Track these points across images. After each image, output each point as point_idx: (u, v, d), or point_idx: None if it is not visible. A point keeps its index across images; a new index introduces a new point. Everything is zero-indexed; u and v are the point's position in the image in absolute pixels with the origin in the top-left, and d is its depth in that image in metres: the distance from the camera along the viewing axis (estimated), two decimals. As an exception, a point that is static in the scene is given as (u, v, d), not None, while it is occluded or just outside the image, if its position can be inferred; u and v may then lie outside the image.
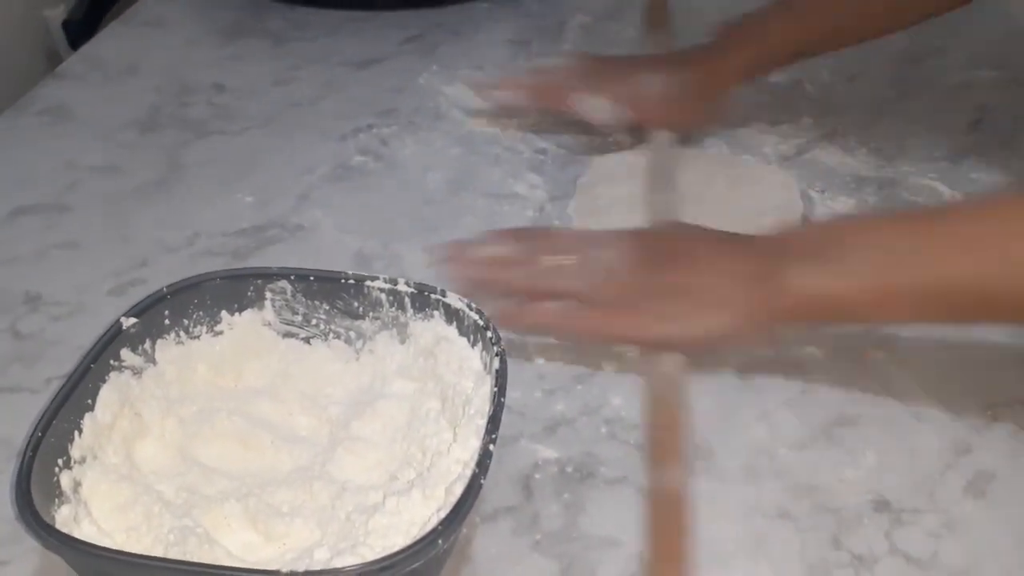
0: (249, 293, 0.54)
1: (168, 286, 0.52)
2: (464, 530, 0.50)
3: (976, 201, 0.59)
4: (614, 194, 0.75)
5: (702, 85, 0.78)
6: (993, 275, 0.52)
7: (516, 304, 0.58)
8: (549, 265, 0.59)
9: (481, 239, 0.62)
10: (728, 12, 0.79)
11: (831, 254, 0.55)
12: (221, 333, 0.54)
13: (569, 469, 0.55)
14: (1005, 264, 0.52)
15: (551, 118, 0.83)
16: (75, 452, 0.46)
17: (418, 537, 0.41)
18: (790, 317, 0.57)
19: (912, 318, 0.58)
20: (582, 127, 0.80)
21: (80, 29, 1.04)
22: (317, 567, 0.43)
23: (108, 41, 0.98)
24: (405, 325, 0.54)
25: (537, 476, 0.55)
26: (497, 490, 0.53)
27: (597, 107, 0.77)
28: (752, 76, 0.79)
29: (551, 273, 0.59)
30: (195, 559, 0.43)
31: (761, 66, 0.79)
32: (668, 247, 0.60)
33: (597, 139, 0.81)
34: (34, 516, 0.41)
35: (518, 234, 0.62)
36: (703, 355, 0.59)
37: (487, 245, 0.61)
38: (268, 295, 0.54)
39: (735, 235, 0.60)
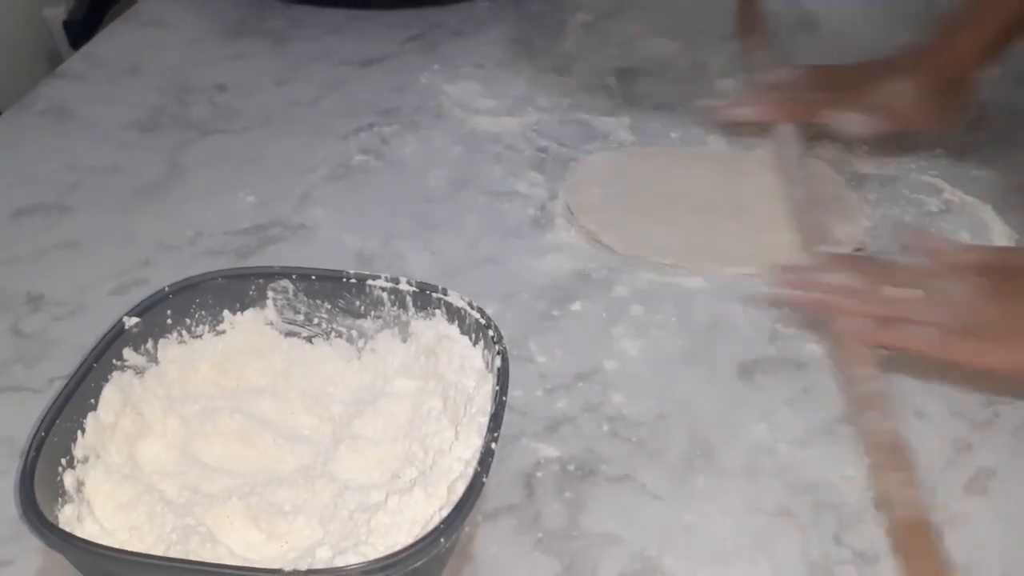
0: (251, 292, 0.54)
1: (170, 285, 0.53)
2: (466, 528, 0.50)
3: None
4: (606, 193, 0.75)
5: (939, 85, 0.77)
6: None
7: (871, 324, 0.58)
8: (892, 296, 0.59)
9: (818, 265, 0.63)
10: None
11: None
12: (223, 332, 0.54)
13: (571, 467, 0.55)
14: None
15: (554, 116, 0.83)
16: (78, 451, 0.46)
17: (420, 536, 0.41)
18: None
19: None
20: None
21: (81, 29, 1.04)
22: (319, 566, 0.43)
23: (109, 41, 0.98)
24: (407, 324, 0.54)
25: (539, 474, 0.55)
26: (499, 488, 0.53)
27: (850, 120, 0.77)
28: (985, 60, 0.78)
29: (900, 303, 0.59)
30: (197, 558, 0.43)
31: (990, 48, 0.77)
32: (1010, 273, 0.60)
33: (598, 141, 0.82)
34: (37, 515, 0.41)
35: (855, 263, 0.62)
36: None
37: (828, 272, 0.61)
38: (270, 294, 0.54)
39: None
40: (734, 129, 0.81)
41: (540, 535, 0.52)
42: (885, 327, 0.58)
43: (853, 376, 0.58)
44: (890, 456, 0.54)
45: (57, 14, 1.06)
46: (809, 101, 0.79)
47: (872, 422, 0.56)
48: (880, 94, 0.77)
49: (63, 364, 0.60)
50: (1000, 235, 0.71)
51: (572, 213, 0.73)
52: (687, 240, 0.71)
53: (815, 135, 0.82)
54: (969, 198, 0.75)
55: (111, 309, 0.60)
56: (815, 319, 0.62)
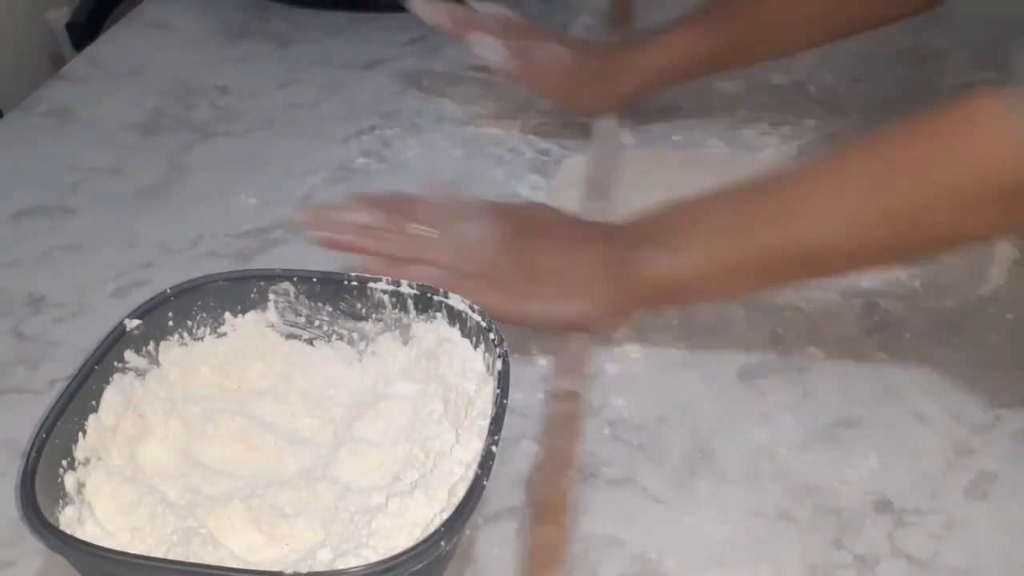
0: (252, 295, 0.54)
1: (172, 288, 0.53)
2: (467, 531, 0.50)
3: (791, 168, 0.62)
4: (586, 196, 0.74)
5: (599, 73, 0.79)
6: (806, 235, 0.55)
7: (383, 263, 0.58)
8: (413, 234, 0.60)
9: (345, 204, 0.62)
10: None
11: (670, 239, 0.58)
12: (224, 335, 0.54)
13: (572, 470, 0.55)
14: (815, 222, 0.55)
15: (556, 119, 0.83)
16: (79, 453, 0.46)
17: (421, 538, 0.42)
18: (642, 302, 0.61)
19: (749, 289, 0.62)
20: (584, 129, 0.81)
21: (83, 31, 1.04)
22: (320, 568, 0.43)
23: (111, 43, 0.98)
24: (408, 327, 0.54)
25: (540, 477, 0.55)
26: (500, 491, 0.53)
27: (488, 46, 0.77)
28: (656, 81, 0.80)
29: (415, 242, 0.59)
30: (198, 560, 0.43)
31: (665, 72, 0.79)
32: (531, 227, 0.61)
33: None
34: (38, 517, 0.41)
35: (382, 202, 0.62)
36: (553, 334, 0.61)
37: (352, 211, 0.61)
38: (271, 297, 0.54)
39: (595, 222, 0.64)
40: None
41: (541, 538, 0.52)
42: (393, 266, 0.58)
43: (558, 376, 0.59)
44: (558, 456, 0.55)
45: (60, 16, 1.06)
46: (478, 24, 0.79)
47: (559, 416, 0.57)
48: (535, 48, 0.79)
49: (64, 366, 0.60)
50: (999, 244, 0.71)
51: None
52: None
53: (818, 138, 0.83)
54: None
55: (112, 311, 0.60)
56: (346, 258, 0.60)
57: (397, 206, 0.61)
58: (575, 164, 0.79)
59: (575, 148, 0.81)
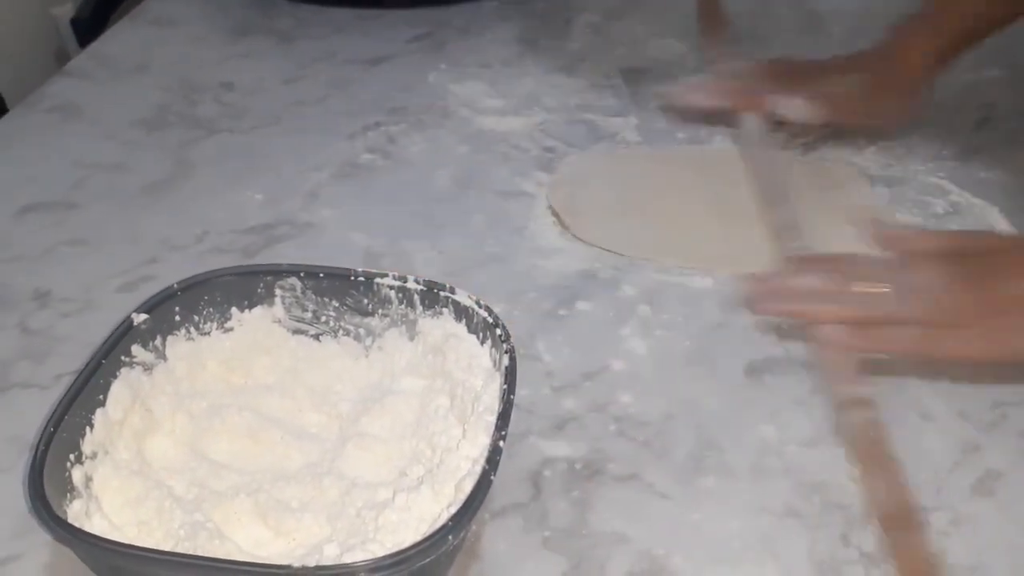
0: (259, 290, 0.54)
1: (179, 282, 0.53)
2: (473, 527, 0.50)
3: None
4: (591, 195, 0.75)
5: (890, 81, 0.78)
6: None
7: (849, 331, 0.56)
8: (863, 292, 0.57)
9: (781, 271, 0.61)
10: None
11: None
12: (231, 329, 0.54)
13: (578, 466, 0.55)
14: None
15: (560, 115, 0.83)
16: (86, 447, 0.47)
17: (428, 533, 0.41)
18: None
19: None
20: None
21: (88, 27, 1.04)
22: (327, 563, 0.43)
23: (116, 39, 0.98)
24: (414, 322, 0.54)
25: (546, 473, 0.55)
26: (506, 487, 0.53)
27: (793, 107, 0.77)
28: (935, 66, 0.78)
29: (869, 301, 0.57)
30: (205, 554, 0.43)
31: (941, 55, 0.78)
32: (982, 256, 0.58)
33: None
34: (46, 510, 0.41)
35: (818, 262, 0.59)
36: None
37: (793, 277, 0.59)
38: (278, 292, 0.54)
39: None
40: (691, 117, 0.82)
41: (547, 533, 0.52)
42: (861, 332, 0.56)
43: (838, 386, 0.57)
44: (877, 461, 0.54)
45: (64, 12, 1.06)
46: (761, 90, 0.79)
47: (858, 426, 0.55)
48: (828, 85, 0.78)
49: (70, 361, 0.60)
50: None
51: (556, 214, 0.73)
52: (662, 238, 0.71)
53: (823, 135, 0.83)
54: (976, 200, 0.75)
55: (118, 306, 0.60)
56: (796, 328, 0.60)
57: (836, 264, 0.59)
58: (576, 161, 0.79)
59: (581, 145, 0.81)
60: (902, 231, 0.64)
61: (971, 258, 0.58)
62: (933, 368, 0.61)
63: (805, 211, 0.71)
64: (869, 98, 0.78)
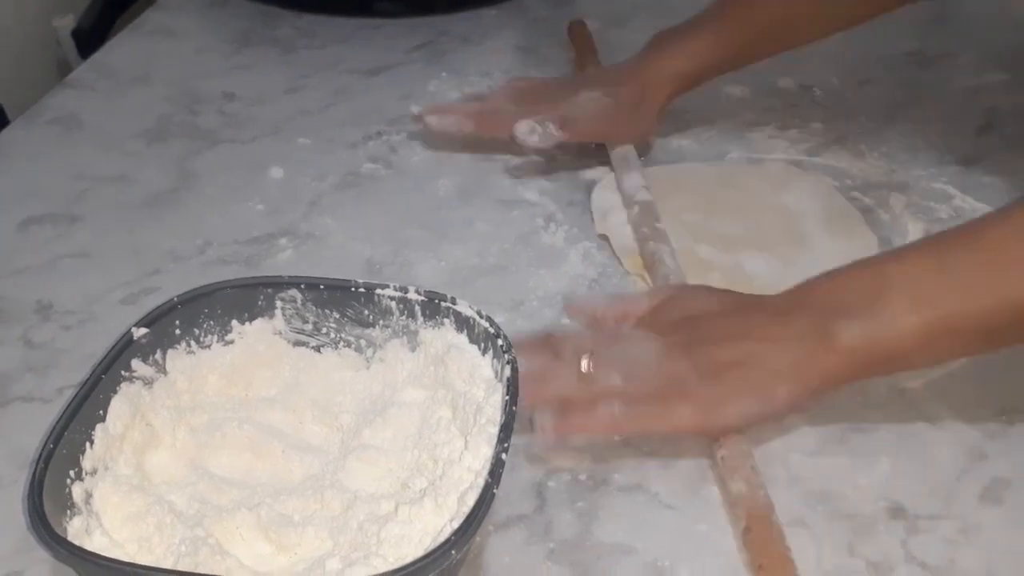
0: (259, 302, 0.54)
1: (178, 296, 0.52)
2: (477, 539, 0.50)
3: (994, 214, 0.56)
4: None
5: (634, 99, 0.78)
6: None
7: (561, 416, 0.54)
8: (580, 370, 0.55)
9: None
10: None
11: (871, 305, 0.53)
12: (232, 342, 0.54)
13: (582, 477, 0.55)
14: None
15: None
16: (86, 463, 0.46)
17: (431, 547, 0.41)
18: (843, 378, 0.55)
19: (968, 354, 0.57)
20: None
21: (90, 38, 1.04)
22: (329, 577, 0.43)
23: (118, 50, 0.98)
24: (415, 333, 0.54)
25: (550, 484, 0.55)
26: (510, 498, 0.53)
27: (527, 130, 0.75)
28: (682, 88, 0.79)
29: (583, 378, 0.55)
30: (207, 570, 0.43)
31: (689, 77, 0.78)
32: (698, 323, 0.57)
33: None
34: (46, 528, 0.41)
35: (533, 345, 0.56)
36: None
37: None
38: (278, 304, 0.54)
39: (760, 297, 0.58)
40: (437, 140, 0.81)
41: (552, 545, 0.51)
42: (570, 415, 0.54)
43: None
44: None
45: (66, 23, 1.06)
46: (500, 112, 0.78)
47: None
48: (564, 105, 0.77)
49: (73, 374, 0.60)
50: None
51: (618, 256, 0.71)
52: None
53: (824, 142, 0.82)
54: (979, 205, 0.75)
55: (121, 318, 0.60)
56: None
57: (549, 343, 0.57)
58: (602, 191, 0.77)
59: (581, 153, 0.81)
60: (604, 305, 0.61)
61: (683, 324, 0.57)
62: (940, 372, 0.60)
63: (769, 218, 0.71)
64: (611, 117, 0.77)
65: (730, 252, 0.71)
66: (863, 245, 0.71)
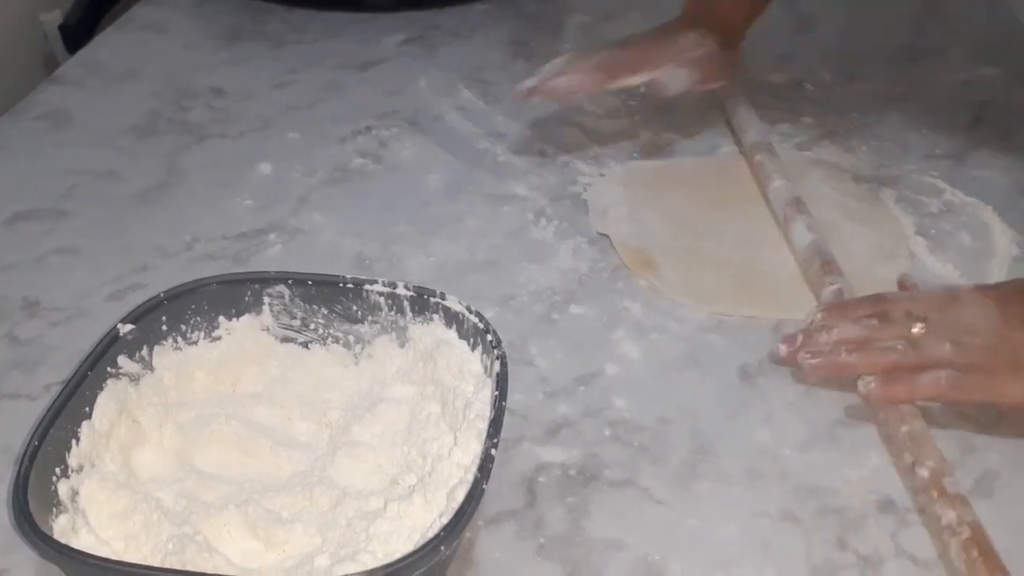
0: (247, 298, 0.53)
1: (165, 292, 0.52)
2: (467, 535, 0.50)
3: None
4: (646, 233, 0.72)
5: (723, 42, 0.78)
6: None
7: (885, 384, 0.55)
8: (910, 332, 0.56)
9: (818, 322, 0.58)
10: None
11: None
12: (219, 338, 0.53)
13: (572, 472, 0.55)
14: None
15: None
16: (72, 461, 0.46)
17: (420, 543, 0.41)
18: None
19: None
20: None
21: (77, 33, 1.03)
22: (318, 574, 0.42)
23: (106, 45, 0.98)
24: (404, 329, 0.53)
25: (540, 479, 0.54)
26: (500, 494, 0.53)
27: (675, 76, 0.75)
28: (745, 29, 0.80)
29: (914, 344, 0.55)
30: (194, 568, 0.43)
31: (748, 17, 0.79)
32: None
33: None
34: (31, 526, 0.41)
35: (851, 307, 0.58)
36: None
37: (831, 328, 0.57)
38: (266, 300, 0.54)
39: None
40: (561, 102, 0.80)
41: (542, 540, 0.51)
42: (894, 383, 0.55)
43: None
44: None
45: (53, 18, 1.05)
46: (619, 62, 0.76)
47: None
48: (686, 52, 0.76)
49: (60, 370, 0.60)
50: (1001, 235, 0.71)
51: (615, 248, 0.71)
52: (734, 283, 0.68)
53: (815, 136, 0.82)
54: (970, 199, 0.75)
55: (109, 315, 0.59)
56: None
57: (871, 309, 0.58)
58: (600, 187, 0.77)
59: (571, 148, 0.81)
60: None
61: (1012, 295, 0.57)
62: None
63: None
64: (712, 55, 0.77)
65: (742, 248, 0.70)
66: (892, 231, 0.72)
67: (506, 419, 0.47)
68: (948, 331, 0.56)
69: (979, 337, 0.55)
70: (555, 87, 0.75)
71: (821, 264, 0.65)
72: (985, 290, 0.58)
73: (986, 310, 0.56)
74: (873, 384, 0.55)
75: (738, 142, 0.80)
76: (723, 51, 0.78)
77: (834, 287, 0.63)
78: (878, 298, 0.59)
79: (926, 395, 0.55)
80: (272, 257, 0.70)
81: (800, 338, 0.58)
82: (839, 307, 0.60)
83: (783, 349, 0.58)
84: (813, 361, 0.57)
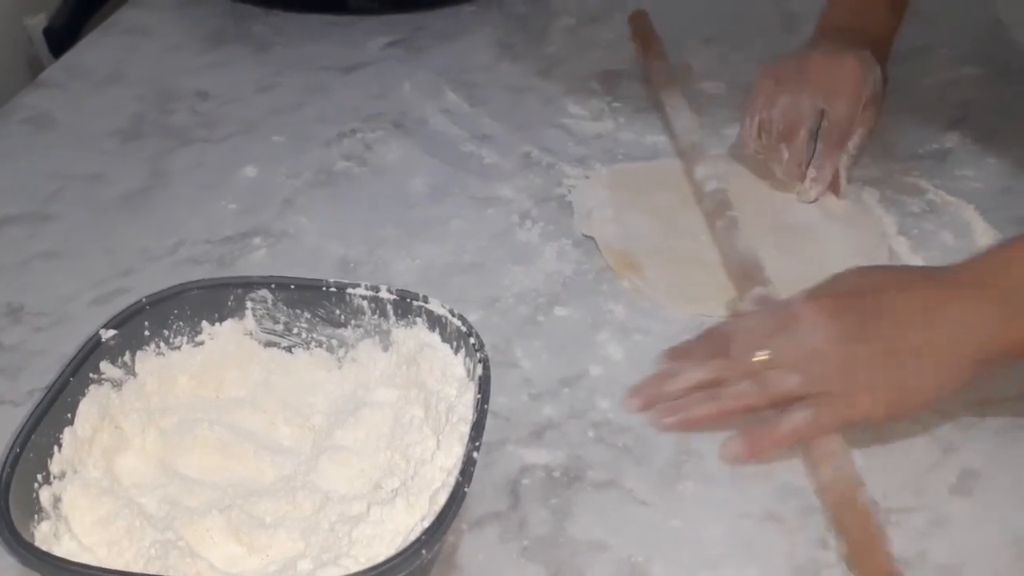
0: (229, 302, 0.53)
1: (147, 297, 0.52)
2: (450, 537, 0.50)
3: None
4: (631, 234, 0.72)
5: (876, 65, 0.75)
6: None
7: (748, 441, 0.55)
8: (752, 365, 0.55)
9: (666, 369, 0.58)
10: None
11: None
12: (202, 343, 0.53)
13: (556, 474, 0.55)
14: None
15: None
16: (54, 467, 0.46)
17: (402, 547, 0.41)
18: (999, 362, 0.54)
19: None
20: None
21: (62, 37, 1.03)
22: (301, 579, 0.43)
23: (90, 49, 0.97)
24: (388, 332, 0.53)
25: (524, 481, 0.55)
26: (484, 496, 0.53)
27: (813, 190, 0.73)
28: (897, 31, 0.78)
29: (761, 379, 0.55)
30: (177, 573, 0.43)
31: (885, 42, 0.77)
32: (871, 306, 0.55)
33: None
34: (12, 533, 0.41)
35: (696, 348, 0.57)
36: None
37: (682, 375, 0.57)
38: (249, 304, 0.54)
39: (933, 275, 0.57)
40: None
41: (526, 543, 0.52)
42: (757, 441, 0.54)
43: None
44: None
45: (38, 22, 1.05)
46: (797, 112, 0.73)
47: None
48: (855, 79, 0.73)
49: (44, 376, 0.60)
50: (983, 235, 0.71)
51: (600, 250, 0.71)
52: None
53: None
54: (952, 198, 0.75)
55: (93, 319, 0.59)
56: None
57: (713, 346, 0.57)
58: (584, 190, 0.77)
59: (557, 149, 0.81)
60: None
61: (852, 307, 0.55)
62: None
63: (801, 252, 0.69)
64: (880, 84, 0.75)
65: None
66: (872, 231, 0.72)
67: (490, 421, 0.47)
68: (792, 359, 0.55)
69: (822, 362, 0.54)
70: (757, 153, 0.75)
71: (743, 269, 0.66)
72: (819, 300, 0.56)
73: (822, 329, 0.55)
74: (738, 447, 0.55)
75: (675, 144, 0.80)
76: (881, 72, 0.75)
77: (756, 294, 0.63)
78: (715, 334, 0.58)
79: (790, 442, 0.55)
80: (257, 261, 0.70)
81: (645, 391, 0.58)
82: (680, 350, 0.59)
83: (633, 405, 0.58)
84: (668, 420, 0.56)
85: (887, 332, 0.54)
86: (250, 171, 0.79)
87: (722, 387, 0.56)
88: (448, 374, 0.51)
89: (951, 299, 0.55)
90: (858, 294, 0.56)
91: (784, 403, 0.55)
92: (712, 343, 0.58)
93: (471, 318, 0.52)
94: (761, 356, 0.55)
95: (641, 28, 0.93)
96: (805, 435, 0.54)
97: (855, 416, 0.54)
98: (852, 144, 0.75)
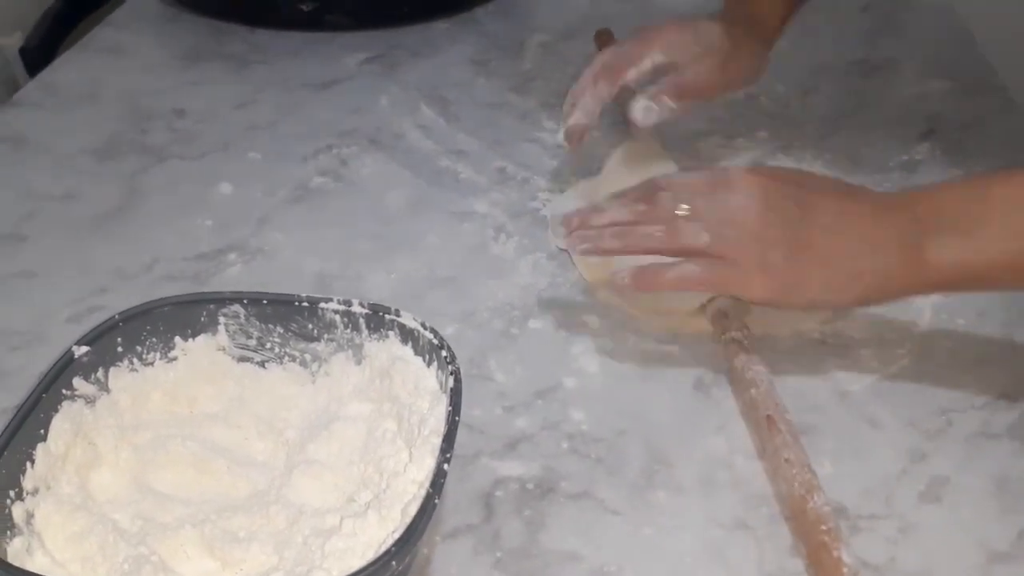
0: (202, 318, 0.54)
1: (120, 313, 0.52)
2: (424, 550, 0.50)
3: None
4: None
5: (746, 44, 0.74)
6: None
7: (638, 275, 0.57)
8: (674, 216, 0.56)
9: (598, 205, 0.60)
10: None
11: (970, 227, 0.54)
12: (175, 359, 0.53)
13: (530, 485, 0.55)
14: None
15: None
16: (27, 483, 0.46)
17: (371, 560, 0.41)
18: (926, 288, 0.57)
19: None
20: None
21: (37, 56, 1.03)
22: (273, 592, 0.43)
23: (66, 68, 0.97)
24: (360, 346, 0.54)
25: (498, 493, 0.55)
26: (457, 508, 0.53)
27: (643, 109, 0.71)
28: (787, 21, 0.77)
29: (673, 228, 0.56)
30: (150, 588, 0.43)
31: (786, 16, 0.77)
32: (801, 196, 0.56)
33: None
34: (-17, 549, 0.41)
35: (632, 193, 0.59)
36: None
37: (607, 211, 0.59)
38: (221, 320, 0.54)
39: (863, 192, 0.59)
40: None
41: (499, 554, 0.52)
42: (644, 275, 0.57)
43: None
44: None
45: (13, 41, 1.05)
46: (622, 54, 0.72)
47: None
48: (699, 36, 0.72)
49: (18, 394, 0.59)
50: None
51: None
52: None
53: (770, 149, 0.83)
54: (921, 209, 0.76)
55: (68, 338, 0.59)
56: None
57: (650, 192, 0.58)
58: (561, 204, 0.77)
59: (532, 165, 0.82)
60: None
61: (789, 192, 0.56)
62: (880, 374, 0.62)
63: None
64: (726, 61, 0.72)
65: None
66: None
67: (464, 434, 0.48)
68: (709, 218, 0.56)
69: (736, 229, 0.55)
70: (573, 129, 0.72)
71: None
72: (757, 173, 0.57)
73: (751, 198, 0.56)
74: (627, 278, 0.57)
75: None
76: (755, 47, 0.75)
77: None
78: (651, 182, 0.59)
79: (675, 287, 0.57)
80: (232, 277, 0.70)
81: (575, 221, 0.60)
82: (620, 193, 0.61)
83: (561, 232, 0.61)
84: (581, 246, 0.60)
85: (802, 227, 0.55)
86: (226, 188, 0.80)
87: (635, 227, 0.58)
88: (420, 387, 0.51)
89: (864, 215, 0.56)
90: (794, 183, 0.57)
91: (689, 256, 0.56)
92: (647, 190, 0.59)
93: (446, 332, 0.53)
94: (683, 210, 0.57)
95: (607, 46, 0.93)
96: (689, 286, 0.57)
97: (742, 291, 0.57)
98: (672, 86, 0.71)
